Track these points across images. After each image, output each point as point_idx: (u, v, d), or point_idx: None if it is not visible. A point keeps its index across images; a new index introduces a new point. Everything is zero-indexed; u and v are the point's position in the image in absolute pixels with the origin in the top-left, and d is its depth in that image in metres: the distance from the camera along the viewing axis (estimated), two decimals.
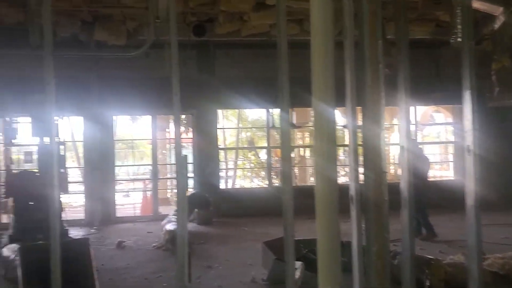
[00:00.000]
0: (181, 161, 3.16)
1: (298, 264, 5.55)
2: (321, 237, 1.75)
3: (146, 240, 9.15)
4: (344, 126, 2.97)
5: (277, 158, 13.43)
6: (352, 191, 3.36)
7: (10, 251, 6.66)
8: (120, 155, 17.88)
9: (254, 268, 6.59)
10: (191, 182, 11.57)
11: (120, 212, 12.42)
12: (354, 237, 3.39)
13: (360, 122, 3.57)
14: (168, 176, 15.54)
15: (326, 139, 1.73)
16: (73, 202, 13.82)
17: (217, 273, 6.68)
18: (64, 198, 7.95)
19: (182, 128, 12.44)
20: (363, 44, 3.46)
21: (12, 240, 7.42)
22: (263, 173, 16.57)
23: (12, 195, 8.11)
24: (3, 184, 11.56)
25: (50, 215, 2.69)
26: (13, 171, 8.69)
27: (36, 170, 9.00)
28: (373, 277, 3.46)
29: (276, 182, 12.73)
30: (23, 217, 7.80)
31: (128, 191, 16.55)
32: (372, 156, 3.48)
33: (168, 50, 8.45)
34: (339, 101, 2.21)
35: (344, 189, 2.99)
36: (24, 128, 9.85)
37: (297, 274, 5.28)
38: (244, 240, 8.92)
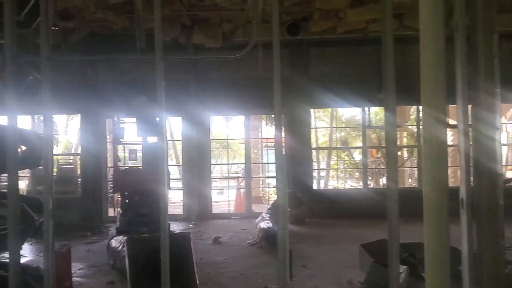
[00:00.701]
0: (281, 161, 3.16)
1: (403, 268, 5.32)
2: (429, 242, 1.65)
3: (240, 237, 9.35)
4: (454, 126, 2.77)
5: (372, 159, 13.04)
6: (463, 194, 3.14)
7: (117, 242, 7.12)
8: (214, 154, 18.50)
9: (350, 270, 6.43)
10: None
11: (215, 208, 12.83)
12: (464, 243, 3.16)
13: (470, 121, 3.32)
14: (260, 175, 15.78)
15: (436, 140, 1.62)
16: (172, 198, 14.55)
17: (312, 273, 6.62)
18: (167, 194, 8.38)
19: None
20: (476, 38, 3.22)
21: (119, 232, 7.95)
22: (357, 174, 16.22)
23: (119, 190, 8.67)
24: (111, 180, 12.53)
25: (161, 211, 2.81)
26: (120, 168, 9.30)
27: (140, 167, 9.60)
28: (485, 286, 3.21)
29: (372, 184, 12.36)
30: (129, 211, 8.32)
31: (222, 189, 17.09)
32: (485, 158, 3.23)
33: (261, 50, 8.62)
34: (449, 99, 2.07)
35: (452, 192, 2.81)
36: (129, 128, 10.53)
37: (401, 278, 5.05)
38: (338, 241, 8.76)
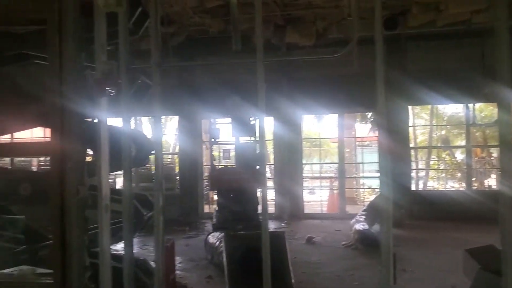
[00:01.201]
0: (385, 162, 3.02)
1: None
2: None
3: (334, 238, 9.20)
4: None
5: (477, 159, 12.17)
6: None
7: (214, 238, 7.35)
8: (306, 153, 18.43)
9: (453, 276, 6.05)
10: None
11: (307, 208, 12.75)
12: None
13: None
14: (354, 175, 15.42)
15: None
16: None
17: (412, 276, 6.32)
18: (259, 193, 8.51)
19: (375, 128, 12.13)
20: None
21: (215, 229, 8.21)
22: (459, 175, 15.24)
23: (215, 188, 8.96)
24: (206, 178, 13.02)
25: (262, 210, 2.82)
26: (216, 167, 9.62)
27: (233, 166, 9.84)
28: None
29: (476, 185, 11.54)
30: (224, 208, 8.56)
31: (313, 189, 16.96)
32: None
33: (356, 47, 8.39)
34: None
35: None
36: (224, 128, 10.81)
37: None
38: (439, 245, 8.29)
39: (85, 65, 3.02)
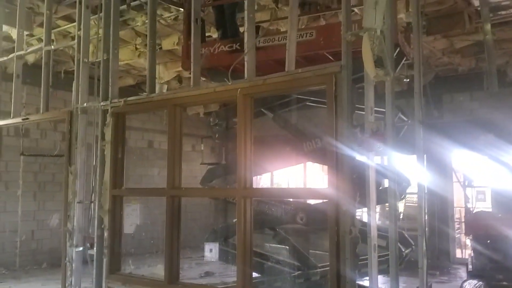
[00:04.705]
0: None
1: None
2: None
3: None
4: None
5: None
6: None
7: (471, 286, 7.01)
8: None
9: None
10: None
11: None
12: None
13: None
14: None
15: None
16: None
17: None
18: None
19: None
20: None
21: (471, 276, 7.77)
22: None
23: (471, 233, 8.52)
24: (457, 220, 12.36)
25: None
26: (471, 209, 9.15)
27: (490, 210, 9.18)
28: None
29: None
30: (482, 255, 8.05)
31: None
32: None
33: None
34: None
35: None
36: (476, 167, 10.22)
37: None
38: None
39: (355, 124, 3.57)
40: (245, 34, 4.04)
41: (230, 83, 3.99)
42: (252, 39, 3.99)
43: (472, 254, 8.35)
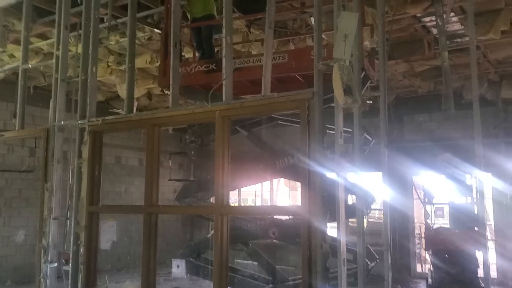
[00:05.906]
0: None
1: None
2: None
3: None
4: None
5: None
6: None
7: None
8: None
9: None
10: None
11: None
12: None
13: None
14: None
15: None
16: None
17: None
18: (479, 255, 8.16)
19: None
20: None
21: None
22: None
23: (430, 248, 8.91)
24: (417, 235, 12.83)
25: (484, 274, 3.13)
26: (430, 225, 9.56)
27: (447, 226, 9.60)
28: None
29: None
30: (440, 269, 8.44)
31: None
32: None
33: None
34: None
35: None
36: (435, 186, 10.71)
37: None
38: None
39: (325, 146, 3.85)
40: (223, 60, 4.27)
41: (209, 105, 4.20)
42: (230, 64, 4.24)
43: (432, 268, 8.73)
